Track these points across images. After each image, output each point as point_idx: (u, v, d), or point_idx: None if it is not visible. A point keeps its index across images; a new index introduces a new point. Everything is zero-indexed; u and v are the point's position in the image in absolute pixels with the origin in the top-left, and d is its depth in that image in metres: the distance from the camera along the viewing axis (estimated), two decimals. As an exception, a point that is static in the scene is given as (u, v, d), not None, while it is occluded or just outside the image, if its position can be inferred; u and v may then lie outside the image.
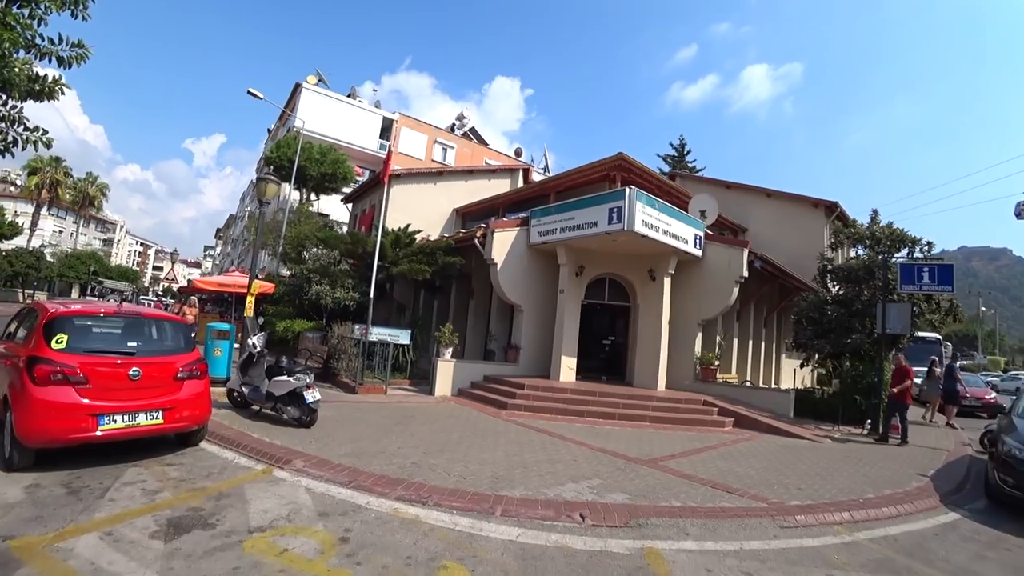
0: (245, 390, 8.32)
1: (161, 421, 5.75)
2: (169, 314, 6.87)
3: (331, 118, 37.27)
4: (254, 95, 26.21)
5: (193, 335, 13.95)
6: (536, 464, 6.75)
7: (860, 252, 14.32)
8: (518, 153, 44.72)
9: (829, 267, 14.25)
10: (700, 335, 14.12)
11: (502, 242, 13.71)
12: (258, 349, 8.37)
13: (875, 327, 11.97)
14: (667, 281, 13.56)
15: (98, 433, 5.30)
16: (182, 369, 6.05)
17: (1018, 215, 17.72)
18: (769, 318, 19.44)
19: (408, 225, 15.47)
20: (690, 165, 41.41)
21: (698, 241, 13.89)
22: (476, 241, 13.97)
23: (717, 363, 13.87)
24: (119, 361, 5.61)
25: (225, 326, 10.66)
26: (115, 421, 5.41)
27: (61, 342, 5.42)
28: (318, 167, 29.70)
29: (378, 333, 13.25)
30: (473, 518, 4.86)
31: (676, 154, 42.53)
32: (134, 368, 5.62)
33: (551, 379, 13.22)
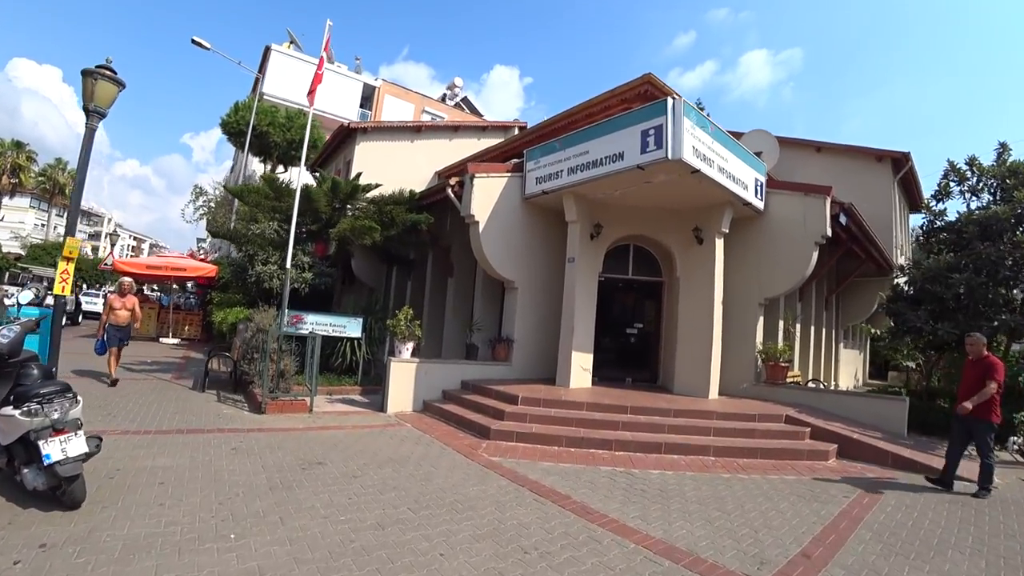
0: (-18, 428, 4.35)
1: None
2: None
3: (304, 84, 33.12)
4: (200, 44, 22.21)
5: (125, 343, 9.25)
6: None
7: (984, 201, 10.26)
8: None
9: (939, 223, 10.25)
10: (762, 320, 10.17)
11: (486, 192, 9.72)
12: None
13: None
14: (719, 244, 9.58)
15: None
16: None
17: None
18: (829, 298, 15.43)
19: (359, 175, 11.44)
20: (706, 134, 37.13)
21: (759, 189, 9.91)
22: (450, 191, 10.00)
23: (789, 359, 9.93)
24: None
25: (34, 312, 6.71)
26: None
27: None
28: (283, 133, 25.67)
29: (315, 323, 9.40)
30: None
31: (690, 122, 38.27)
32: None
33: (557, 385, 9.28)
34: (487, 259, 9.68)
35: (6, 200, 54.45)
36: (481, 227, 9.56)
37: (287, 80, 32.95)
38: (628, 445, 6.76)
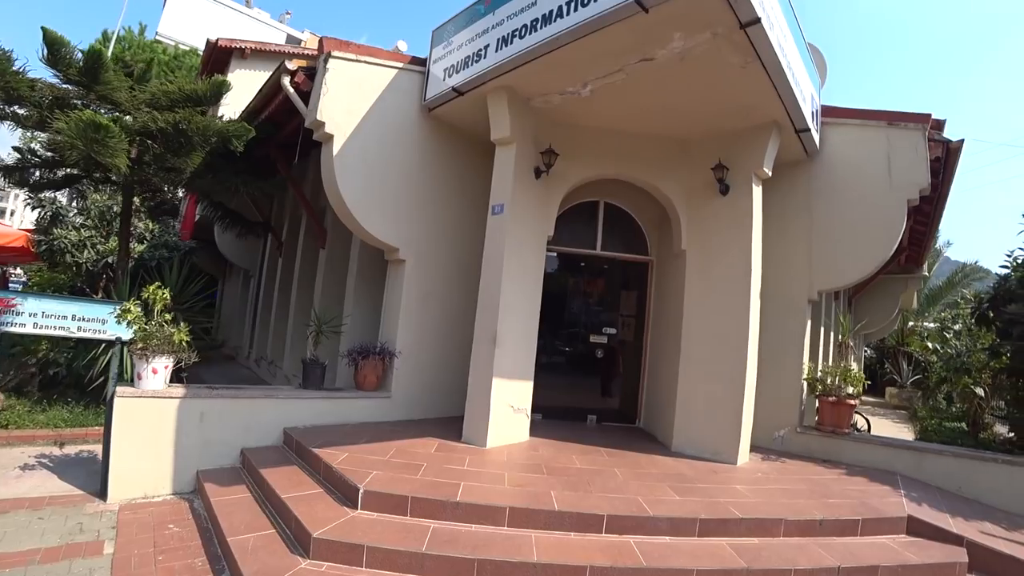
0: None
1: None
2: None
3: (210, 30, 27.81)
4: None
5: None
6: None
7: None
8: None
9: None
10: (809, 326, 6.26)
11: (354, 89, 5.37)
12: None
13: None
14: (758, 195, 5.58)
15: None
16: None
17: None
18: (852, 300, 11.84)
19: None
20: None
21: (815, 115, 5.98)
22: (287, 83, 5.58)
23: (861, 390, 6.02)
24: None
25: None
26: None
27: None
28: (168, 74, 20.44)
29: (41, 313, 5.06)
30: None
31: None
32: None
33: (464, 440, 5.06)
34: (344, 203, 5.29)
35: None
36: (338, 146, 5.20)
37: (190, 22, 27.56)
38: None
